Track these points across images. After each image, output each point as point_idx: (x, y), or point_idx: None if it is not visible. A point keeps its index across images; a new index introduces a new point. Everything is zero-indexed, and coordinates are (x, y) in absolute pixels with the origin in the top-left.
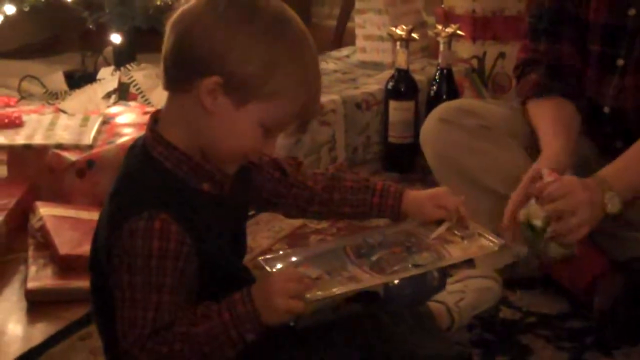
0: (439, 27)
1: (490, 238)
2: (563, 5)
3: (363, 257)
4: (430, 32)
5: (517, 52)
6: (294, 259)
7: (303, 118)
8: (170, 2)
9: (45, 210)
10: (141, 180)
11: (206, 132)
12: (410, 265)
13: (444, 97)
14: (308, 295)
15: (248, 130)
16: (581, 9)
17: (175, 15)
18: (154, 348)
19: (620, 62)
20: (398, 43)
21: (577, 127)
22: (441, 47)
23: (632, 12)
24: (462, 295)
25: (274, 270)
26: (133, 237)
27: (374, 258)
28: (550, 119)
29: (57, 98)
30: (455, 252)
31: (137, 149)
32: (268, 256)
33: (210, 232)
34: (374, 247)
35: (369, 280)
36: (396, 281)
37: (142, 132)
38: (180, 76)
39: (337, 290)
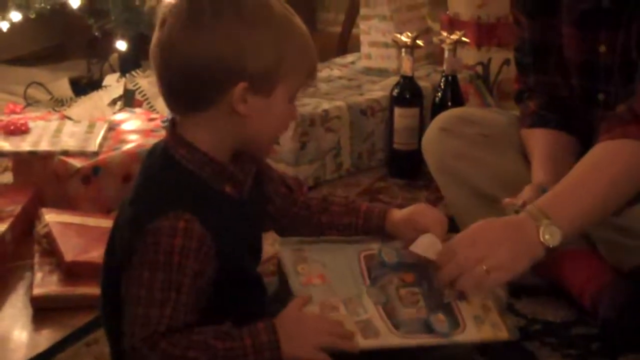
0: (444, 33)
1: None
2: (544, 36)
3: (376, 282)
4: (435, 39)
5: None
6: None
7: (312, 76)
8: None
9: (51, 217)
10: (164, 183)
11: (244, 132)
12: (428, 327)
13: (449, 103)
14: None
15: (282, 110)
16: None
17: (159, 42)
18: (167, 349)
19: (602, 96)
20: (403, 50)
21: (571, 158)
22: (446, 53)
23: (602, 49)
24: None
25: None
26: (157, 235)
27: (386, 287)
28: (542, 152)
29: (62, 105)
30: (469, 323)
31: (157, 152)
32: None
33: (230, 235)
34: (386, 267)
35: (389, 338)
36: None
37: (147, 139)
38: (199, 98)
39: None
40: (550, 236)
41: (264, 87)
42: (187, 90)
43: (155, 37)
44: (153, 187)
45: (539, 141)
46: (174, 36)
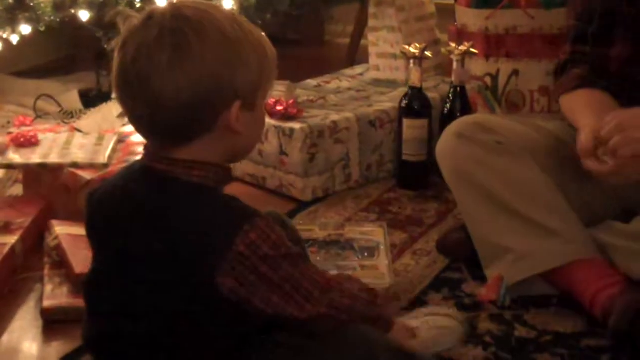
0: (452, 44)
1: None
2: (615, 7)
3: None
4: (443, 50)
5: (559, 54)
6: None
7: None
8: None
9: (61, 229)
10: (207, 212)
11: (237, 146)
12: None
13: (458, 114)
14: None
15: (262, 117)
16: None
17: (139, 78)
18: (333, 299)
19: None
20: (411, 61)
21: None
22: (454, 64)
23: None
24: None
25: None
26: (254, 249)
27: None
28: (589, 101)
29: (72, 117)
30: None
31: (163, 190)
32: None
33: None
34: None
35: None
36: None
37: None
38: (196, 126)
39: None
40: None
41: (251, 101)
42: (182, 121)
43: (128, 69)
44: (206, 219)
45: (585, 96)
46: (162, 69)
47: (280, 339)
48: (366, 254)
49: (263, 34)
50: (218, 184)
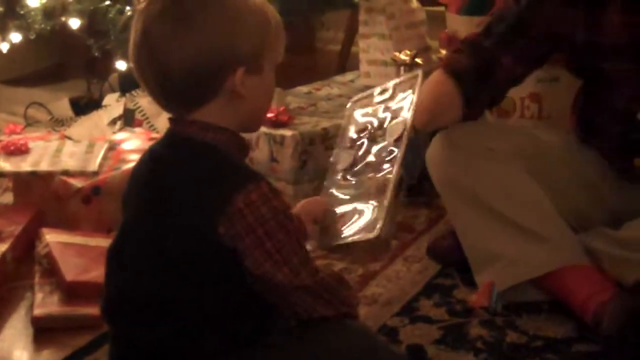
0: (443, 51)
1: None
2: (535, 25)
3: None
4: (434, 57)
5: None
6: None
7: (284, 43)
8: None
9: (51, 237)
10: (220, 164)
11: (246, 110)
12: None
13: None
14: None
15: (270, 81)
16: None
17: (149, 49)
18: (324, 278)
19: None
20: (402, 68)
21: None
22: None
23: None
24: None
25: None
26: (253, 209)
27: None
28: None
29: (63, 125)
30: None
31: (181, 145)
32: None
33: None
34: None
35: None
36: None
37: None
38: (203, 92)
39: None
40: None
41: (256, 65)
42: (189, 87)
43: (139, 44)
44: (213, 172)
45: (440, 81)
46: (167, 40)
47: (278, 341)
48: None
49: (268, 4)
50: (232, 149)
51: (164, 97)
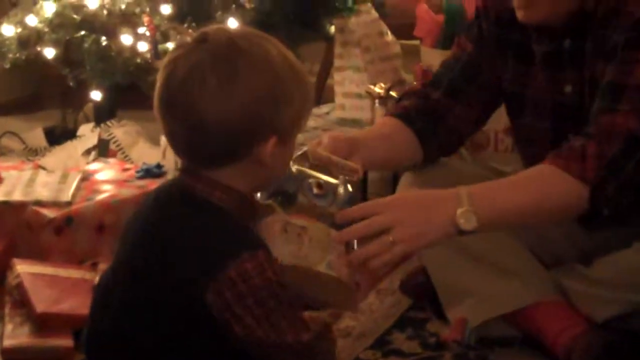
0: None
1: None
2: (482, 72)
3: None
4: None
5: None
6: None
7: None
8: (150, 60)
9: (23, 268)
10: (215, 229)
11: (262, 176)
12: None
13: None
14: None
15: (293, 152)
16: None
17: (185, 104)
18: (309, 339)
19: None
20: (377, 101)
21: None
22: None
23: (568, 89)
24: None
25: None
26: (245, 278)
27: None
28: (381, 129)
29: (36, 154)
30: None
31: (179, 198)
32: None
33: None
34: None
35: None
36: None
37: (121, 189)
38: (232, 154)
39: None
40: (465, 221)
41: (287, 137)
42: (219, 146)
43: (174, 92)
44: (212, 234)
45: (388, 123)
46: (211, 92)
47: None
48: None
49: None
50: (237, 210)
51: (190, 151)
